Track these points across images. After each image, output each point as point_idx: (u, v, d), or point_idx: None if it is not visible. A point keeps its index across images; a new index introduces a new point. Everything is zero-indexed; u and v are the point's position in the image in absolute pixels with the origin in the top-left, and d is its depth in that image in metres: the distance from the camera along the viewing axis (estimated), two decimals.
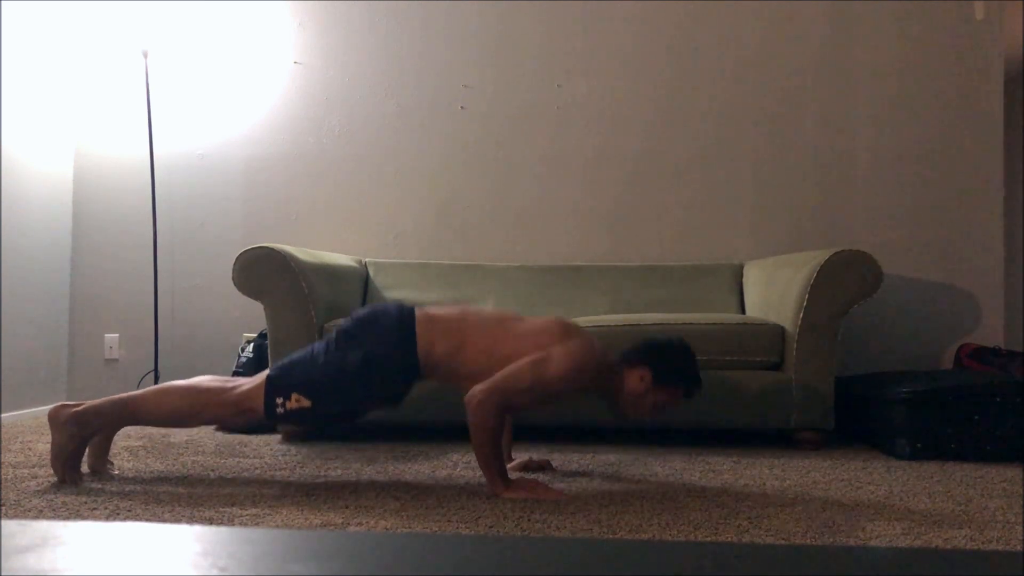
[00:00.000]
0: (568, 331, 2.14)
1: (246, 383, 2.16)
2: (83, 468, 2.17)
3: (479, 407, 1.99)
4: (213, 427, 3.06)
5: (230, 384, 2.17)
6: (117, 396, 2.19)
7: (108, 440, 2.24)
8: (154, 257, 3.64)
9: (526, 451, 2.58)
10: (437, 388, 2.80)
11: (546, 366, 2.03)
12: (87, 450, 2.18)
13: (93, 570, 0.51)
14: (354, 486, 2.11)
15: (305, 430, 2.82)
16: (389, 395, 2.21)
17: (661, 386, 2.13)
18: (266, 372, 2.17)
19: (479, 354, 2.11)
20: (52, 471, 2.14)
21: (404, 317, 2.15)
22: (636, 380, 2.12)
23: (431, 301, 3.31)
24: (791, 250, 3.37)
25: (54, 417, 2.11)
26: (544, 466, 2.34)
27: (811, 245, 3.40)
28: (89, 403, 2.15)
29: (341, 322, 2.26)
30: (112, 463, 2.28)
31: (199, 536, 0.58)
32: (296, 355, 2.19)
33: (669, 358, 2.16)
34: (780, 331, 2.77)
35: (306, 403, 2.09)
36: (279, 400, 2.09)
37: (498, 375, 2.03)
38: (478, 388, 2.01)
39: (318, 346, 2.18)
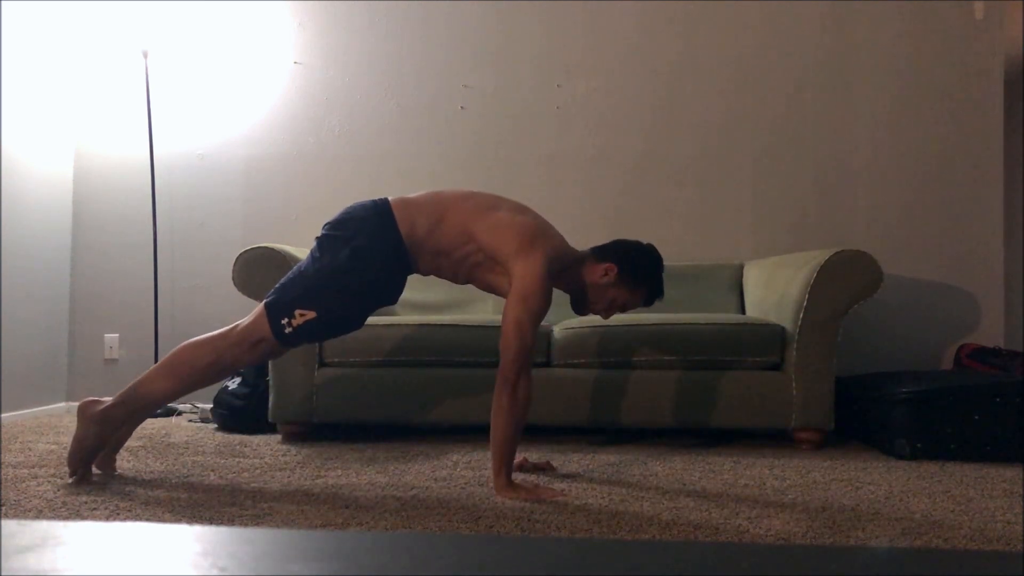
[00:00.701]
0: (529, 239, 2.11)
1: (246, 319, 2.16)
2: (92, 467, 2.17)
3: (519, 378, 2.01)
4: (214, 427, 3.05)
5: (229, 327, 2.18)
6: (131, 385, 2.17)
7: (124, 438, 2.24)
8: (154, 257, 3.64)
9: (526, 451, 2.58)
10: (437, 388, 2.81)
11: (529, 300, 2.04)
12: None
13: (93, 570, 0.51)
14: (354, 486, 2.11)
15: (320, 338, 2.70)
16: (385, 285, 2.21)
17: (624, 284, 2.18)
18: (263, 301, 2.17)
19: (455, 228, 2.13)
20: (56, 470, 2.14)
21: (379, 205, 2.17)
22: (600, 273, 2.18)
23: (431, 301, 3.31)
24: (791, 250, 3.37)
25: (83, 411, 2.11)
26: (544, 466, 2.34)
27: (811, 245, 3.40)
28: (114, 399, 2.13)
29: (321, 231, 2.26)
30: (115, 461, 2.27)
31: (199, 536, 0.58)
32: (286, 276, 2.20)
33: (636, 258, 2.21)
34: (780, 331, 2.77)
35: (310, 314, 2.09)
36: (284, 320, 2.10)
37: (506, 348, 2.03)
38: (506, 369, 2.02)
39: (304, 261, 2.20)
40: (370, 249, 2.12)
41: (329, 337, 2.74)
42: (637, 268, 2.20)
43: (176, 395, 2.20)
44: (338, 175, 3.73)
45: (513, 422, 2.01)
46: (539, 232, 2.16)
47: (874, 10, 3.55)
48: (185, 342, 2.20)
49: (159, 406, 2.25)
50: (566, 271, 2.20)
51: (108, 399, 2.14)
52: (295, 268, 2.21)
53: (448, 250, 2.15)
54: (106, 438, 2.13)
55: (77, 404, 2.17)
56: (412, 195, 2.23)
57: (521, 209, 2.23)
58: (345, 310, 2.18)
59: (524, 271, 2.07)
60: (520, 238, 2.11)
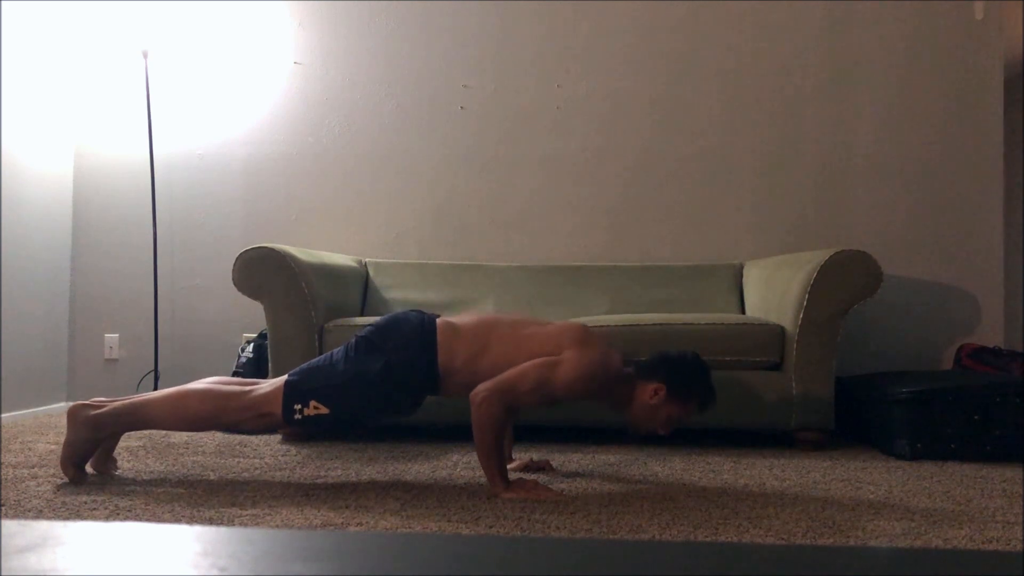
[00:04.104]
0: (584, 339, 2.12)
1: (263, 387, 2.15)
2: (88, 469, 2.17)
3: (484, 404, 1.99)
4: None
5: (247, 388, 2.16)
6: (132, 400, 2.18)
7: (115, 441, 2.24)
8: (154, 257, 3.64)
9: (526, 451, 2.58)
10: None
11: (554, 371, 2.04)
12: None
13: (93, 570, 0.51)
14: (354, 486, 2.11)
15: (317, 435, 2.82)
16: (405, 405, 2.21)
17: (675, 400, 2.13)
18: (284, 377, 2.15)
19: (499, 360, 2.10)
20: (56, 470, 2.14)
21: (426, 325, 2.15)
22: (650, 394, 2.12)
23: (431, 301, 3.31)
24: (791, 250, 3.37)
25: (73, 415, 2.11)
26: (544, 466, 2.34)
27: (811, 245, 3.40)
28: (108, 407, 2.13)
29: (361, 329, 2.25)
30: (115, 460, 2.28)
31: (199, 536, 0.58)
32: (315, 361, 2.19)
33: (684, 373, 2.16)
34: (780, 331, 2.77)
35: (324, 410, 2.08)
36: (297, 407, 2.08)
37: (505, 374, 2.03)
38: (483, 386, 2.02)
39: (337, 352, 2.17)
40: (404, 367, 2.11)
41: (334, 433, 2.78)
42: (685, 384, 2.14)
43: (172, 429, 2.23)
44: (338, 175, 3.73)
45: (484, 440, 2.00)
46: (597, 336, 2.16)
47: (874, 10, 3.55)
48: (199, 385, 2.19)
49: (152, 428, 2.26)
50: (614, 389, 2.16)
51: (98, 401, 2.15)
52: (327, 355, 2.19)
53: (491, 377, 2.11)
54: (97, 442, 2.14)
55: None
56: (460, 319, 2.21)
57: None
58: (359, 416, 2.19)
59: (573, 355, 2.06)
60: (574, 336, 2.11)
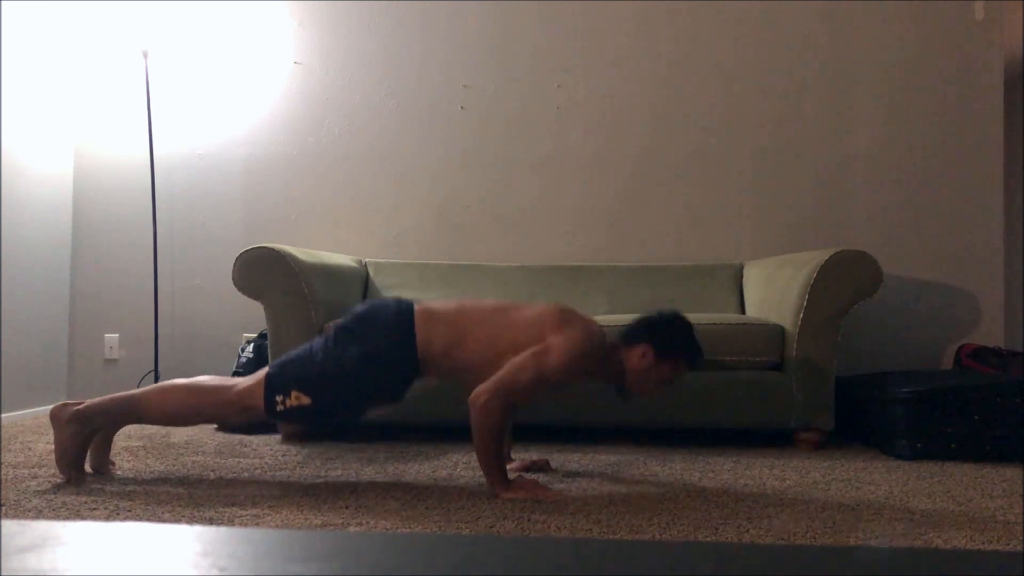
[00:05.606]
0: (566, 318, 2.12)
1: (246, 381, 2.15)
2: (86, 468, 2.17)
3: (484, 407, 1.99)
4: (214, 427, 3.06)
5: (230, 383, 2.17)
6: (118, 395, 2.19)
7: (109, 440, 2.24)
8: (154, 257, 3.64)
9: (526, 451, 2.58)
10: (437, 388, 2.81)
11: (547, 358, 2.03)
12: (89, 450, 2.18)
13: (93, 570, 0.51)
14: (354, 486, 2.11)
15: (307, 429, 2.82)
16: (389, 392, 2.20)
17: (663, 360, 2.14)
18: (265, 369, 2.16)
19: (479, 346, 2.10)
20: (56, 470, 2.14)
21: (402, 312, 2.14)
22: (638, 357, 2.13)
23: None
24: (791, 250, 3.37)
25: (56, 416, 2.11)
26: (543, 467, 2.34)
27: (811, 245, 3.40)
28: (90, 401, 2.15)
29: (339, 319, 2.26)
30: (114, 463, 2.28)
31: (199, 536, 0.58)
32: (295, 352, 2.19)
33: (667, 331, 2.17)
34: (780, 331, 2.77)
35: (305, 400, 2.08)
36: (279, 398, 2.08)
37: (500, 373, 2.02)
38: (482, 388, 2.01)
39: (316, 343, 2.17)
40: (383, 354, 2.10)
41: (319, 425, 2.76)
42: (670, 341, 2.15)
43: (158, 424, 2.26)
44: (338, 175, 3.73)
45: (484, 442, 2.00)
46: (579, 315, 2.16)
47: (874, 10, 3.55)
48: (182, 381, 2.19)
49: (138, 422, 2.26)
50: (605, 360, 2.15)
51: (77, 402, 2.16)
52: (306, 346, 2.19)
53: (473, 368, 2.10)
54: (87, 438, 2.14)
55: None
56: (438, 305, 2.20)
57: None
58: (341, 406, 2.16)
59: (559, 338, 2.04)
60: (559, 319, 2.10)
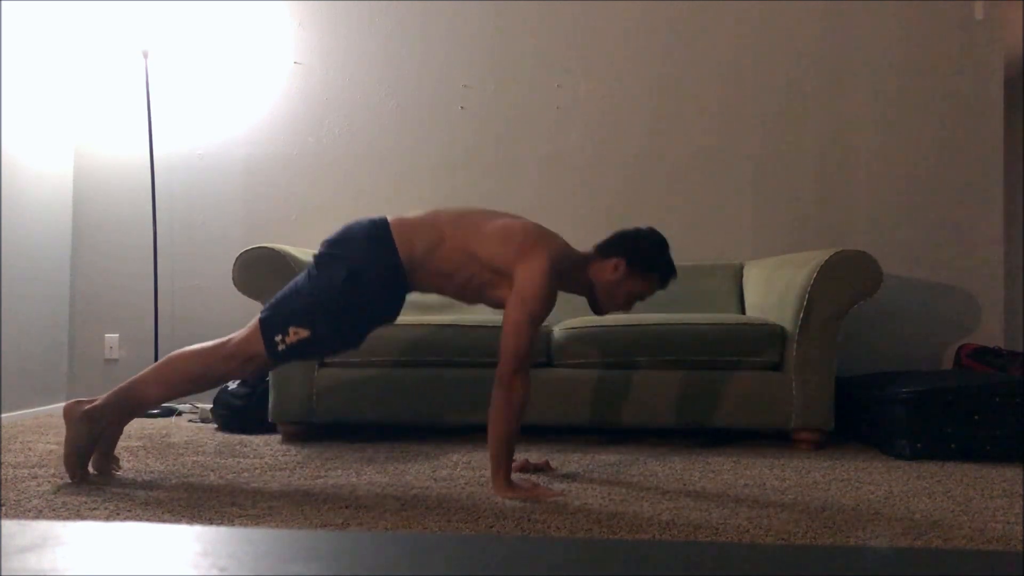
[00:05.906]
0: (532, 242, 2.10)
1: (241, 332, 2.16)
2: (89, 469, 2.17)
3: (511, 383, 1.99)
4: (214, 427, 3.06)
5: (225, 339, 2.17)
6: (121, 385, 2.18)
7: (115, 438, 2.24)
8: (154, 257, 3.64)
9: (526, 451, 2.58)
10: (437, 388, 2.81)
11: (528, 305, 2.03)
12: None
13: (93, 570, 0.51)
14: (354, 486, 2.11)
15: (314, 358, 2.75)
16: (383, 307, 2.19)
17: (636, 274, 2.17)
18: (257, 316, 2.16)
19: (455, 251, 2.11)
20: (56, 470, 2.14)
21: (378, 224, 2.14)
22: (610, 270, 2.17)
23: (431, 301, 3.31)
24: (791, 250, 3.37)
25: (69, 413, 2.11)
26: (543, 467, 2.34)
27: (811, 245, 3.40)
28: (100, 398, 2.15)
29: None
30: (117, 459, 2.27)
31: (199, 536, 0.58)
32: (281, 293, 2.18)
33: (642, 246, 2.20)
34: (780, 331, 2.77)
35: (304, 333, 2.08)
36: (278, 337, 2.09)
37: (504, 345, 2.02)
38: (502, 369, 2.01)
39: (300, 277, 2.17)
40: (367, 271, 2.09)
41: (323, 356, 2.75)
42: (644, 255, 2.19)
43: (166, 400, 2.24)
44: (338, 175, 3.73)
45: (508, 423, 2.00)
46: (539, 234, 2.15)
47: (874, 10, 3.55)
48: (180, 350, 2.20)
49: (148, 408, 2.26)
50: (574, 274, 2.18)
51: (90, 400, 2.15)
52: (291, 284, 2.19)
53: (450, 272, 2.13)
54: (96, 436, 2.13)
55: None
56: (411, 214, 2.21)
57: (518, 217, 2.22)
58: (339, 330, 2.15)
59: (525, 274, 2.05)
60: (520, 242, 2.10)
